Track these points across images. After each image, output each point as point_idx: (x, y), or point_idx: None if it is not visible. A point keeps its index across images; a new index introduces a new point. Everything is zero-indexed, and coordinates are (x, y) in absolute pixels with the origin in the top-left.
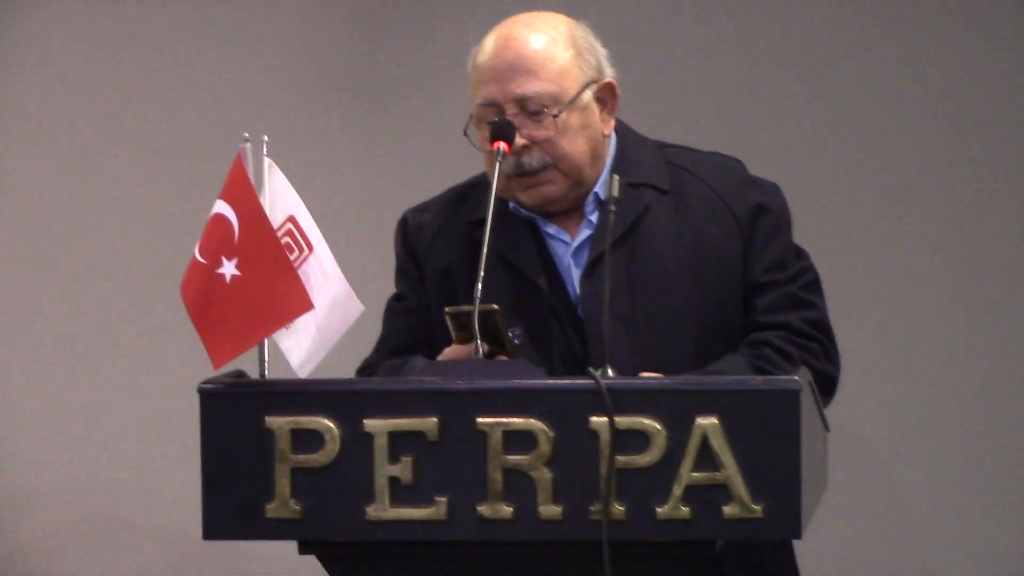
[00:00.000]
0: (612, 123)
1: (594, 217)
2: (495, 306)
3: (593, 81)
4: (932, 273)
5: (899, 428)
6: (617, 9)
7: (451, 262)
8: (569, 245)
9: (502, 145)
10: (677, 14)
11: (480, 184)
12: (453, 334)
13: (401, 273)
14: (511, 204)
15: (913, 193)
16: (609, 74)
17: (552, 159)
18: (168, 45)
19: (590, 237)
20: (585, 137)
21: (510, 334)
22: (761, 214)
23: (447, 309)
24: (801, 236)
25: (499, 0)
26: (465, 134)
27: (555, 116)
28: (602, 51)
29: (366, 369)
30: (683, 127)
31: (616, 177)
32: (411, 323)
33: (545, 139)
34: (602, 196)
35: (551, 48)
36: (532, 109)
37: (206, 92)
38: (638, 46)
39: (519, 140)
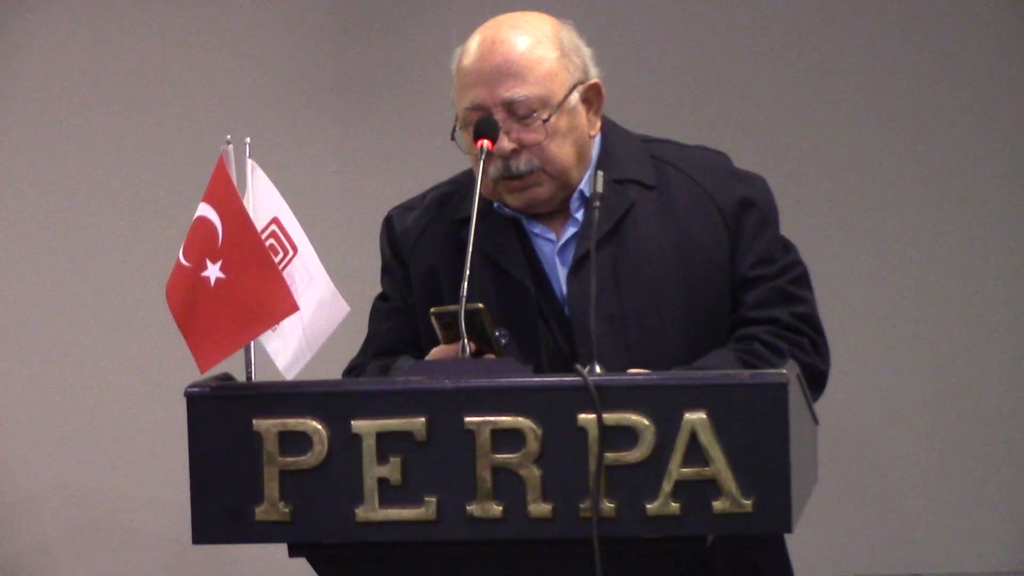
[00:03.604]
0: (598, 123)
1: (579, 215)
2: (480, 305)
3: (580, 83)
4: (921, 267)
5: (889, 421)
6: (601, 7)
7: (436, 262)
8: (555, 243)
9: (485, 143)
10: (662, 11)
11: (465, 182)
12: (439, 334)
13: (386, 272)
14: (496, 204)
15: (904, 186)
16: (594, 74)
17: (540, 163)
18: (150, 47)
19: (576, 235)
20: (572, 140)
21: (496, 333)
22: (747, 208)
23: (432, 310)
24: (789, 229)
25: (479, 4)
26: (452, 138)
27: (544, 121)
28: (587, 51)
29: (353, 370)
30: (667, 122)
31: (600, 173)
32: (397, 323)
33: (534, 143)
34: (587, 194)
35: (538, 51)
36: (521, 113)
37: (188, 94)
38: (622, 43)
39: (507, 144)
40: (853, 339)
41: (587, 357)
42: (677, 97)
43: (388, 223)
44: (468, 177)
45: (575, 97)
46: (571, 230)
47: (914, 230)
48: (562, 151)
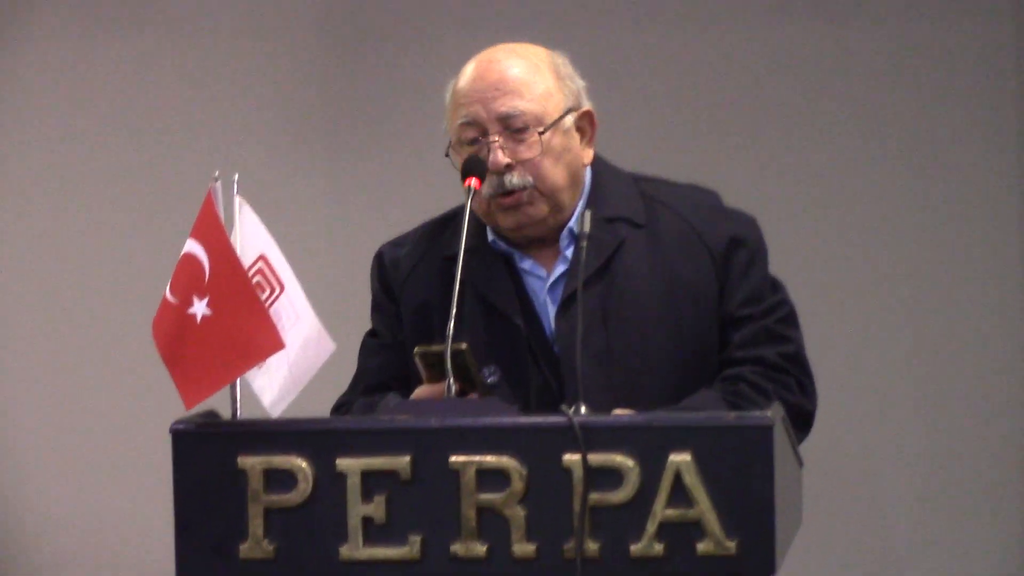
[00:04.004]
0: (591, 153)
1: (569, 252)
2: (464, 345)
3: (574, 108)
4: (908, 306)
5: (875, 461)
6: (593, 44)
7: (428, 297)
8: (545, 281)
9: (473, 181)
10: (654, 48)
11: (457, 216)
12: (423, 374)
13: (377, 309)
14: (490, 238)
15: (891, 229)
16: (587, 105)
17: (534, 179)
18: (138, 84)
19: (565, 272)
20: (565, 162)
21: (485, 372)
22: (736, 247)
23: (416, 350)
24: (777, 264)
25: (469, 38)
26: (447, 155)
27: (541, 133)
28: (580, 83)
29: (341, 407)
30: (659, 159)
31: (588, 212)
32: (386, 360)
33: (529, 159)
34: (577, 232)
35: (534, 72)
36: (516, 127)
37: (177, 130)
38: (614, 80)
39: (503, 158)
40: (841, 380)
41: (574, 396)
42: (669, 134)
43: (379, 259)
44: (460, 210)
45: (569, 120)
46: (561, 268)
47: (904, 271)
48: (555, 170)
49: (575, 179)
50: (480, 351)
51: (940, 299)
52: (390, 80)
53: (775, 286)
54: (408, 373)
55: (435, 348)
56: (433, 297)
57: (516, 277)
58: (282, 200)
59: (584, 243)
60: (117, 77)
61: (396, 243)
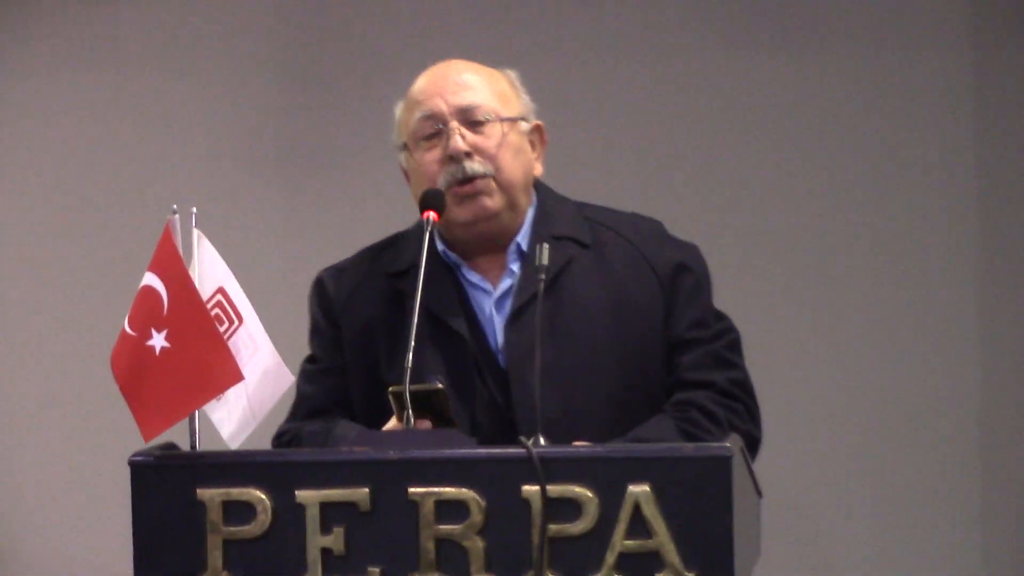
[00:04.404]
0: (540, 168)
1: (516, 267)
2: (439, 386)
3: (527, 119)
4: (854, 332)
5: (824, 490)
6: (549, 79)
7: (371, 316)
8: (491, 294)
9: (431, 215)
10: (614, 81)
11: (397, 240)
12: (396, 413)
13: (315, 334)
14: (440, 247)
15: (846, 259)
16: (537, 121)
17: (493, 169)
18: (95, 116)
19: (512, 287)
20: (521, 162)
21: (435, 380)
22: (682, 272)
23: (391, 389)
24: (731, 297)
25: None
26: (401, 166)
27: (501, 120)
28: (529, 99)
29: (282, 435)
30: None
31: (546, 245)
32: (326, 385)
33: (487, 148)
34: (524, 247)
35: (490, 76)
36: (476, 118)
37: (134, 164)
38: (569, 113)
39: (463, 145)
40: (784, 407)
41: (523, 407)
42: (628, 165)
43: (319, 284)
44: (399, 236)
45: (525, 126)
46: (507, 282)
47: (851, 297)
48: (513, 164)
49: (527, 184)
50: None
51: (894, 326)
52: (346, 115)
53: (718, 314)
54: (348, 398)
55: (411, 388)
56: (376, 315)
57: (461, 290)
58: (240, 233)
59: (542, 275)
60: (75, 112)
61: (337, 268)
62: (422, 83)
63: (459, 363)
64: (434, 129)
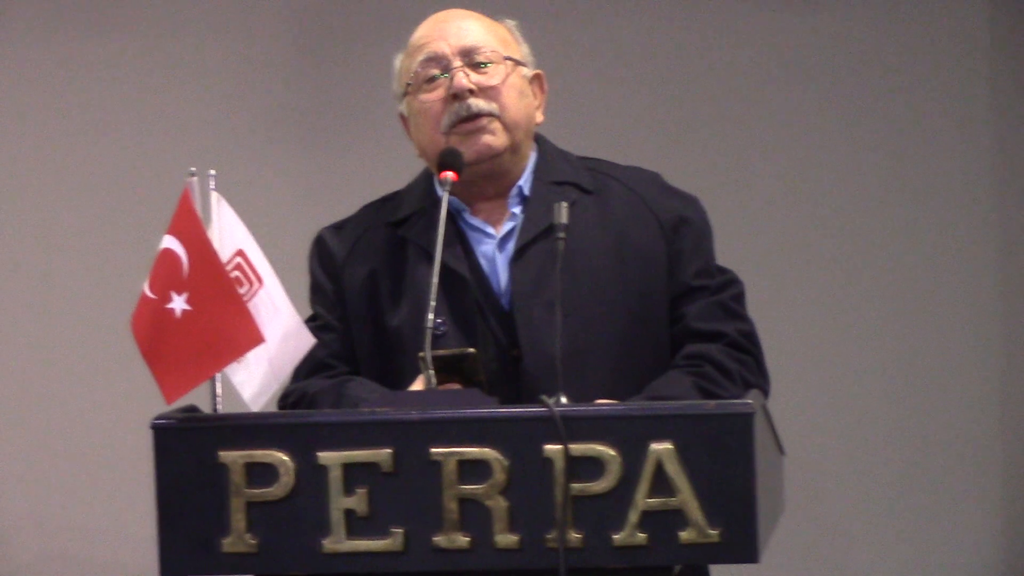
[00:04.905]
0: (541, 117)
1: (518, 210)
2: (471, 350)
3: (526, 62)
4: (883, 301)
5: (834, 447)
6: (569, 35)
7: (373, 267)
8: (494, 238)
9: (449, 175)
10: (626, 38)
11: (399, 193)
12: (427, 377)
13: (316, 291)
14: (438, 192)
15: (867, 224)
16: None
17: (498, 108)
18: (113, 79)
19: (514, 229)
20: (524, 104)
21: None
22: (685, 223)
23: (420, 354)
24: (754, 261)
25: None
26: (400, 115)
27: (504, 60)
28: (529, 51)
29: (288, 396)
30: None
31: (564, 204)
32: (327, 341)
33: (492, 87)
34: (526, 191)
35: (491, 23)
36: (479, 60)
37: (153, 127)
38: (588, 69)
39: (467, 83)
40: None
41: (529, 344)
42: (644, 125)
43: (319, 242)
44: (401, 189)
45: (526, 71)
46: (510, 224)
47: (875, 254)
48: (517, 105)
49: (529, 127)
50: (478, 358)
51: (915, 294)
52: (365, 75)
53: (721, 267)
54: (351, 353)
55: (442, 352)
56: (378, 263)
57: (463, 235)
58: (259, 195)
59: (562, 235)
60: (92, 75)
61: (335, 226)
62: (422, 30)
63: (461, 304)
64: (437, 69)
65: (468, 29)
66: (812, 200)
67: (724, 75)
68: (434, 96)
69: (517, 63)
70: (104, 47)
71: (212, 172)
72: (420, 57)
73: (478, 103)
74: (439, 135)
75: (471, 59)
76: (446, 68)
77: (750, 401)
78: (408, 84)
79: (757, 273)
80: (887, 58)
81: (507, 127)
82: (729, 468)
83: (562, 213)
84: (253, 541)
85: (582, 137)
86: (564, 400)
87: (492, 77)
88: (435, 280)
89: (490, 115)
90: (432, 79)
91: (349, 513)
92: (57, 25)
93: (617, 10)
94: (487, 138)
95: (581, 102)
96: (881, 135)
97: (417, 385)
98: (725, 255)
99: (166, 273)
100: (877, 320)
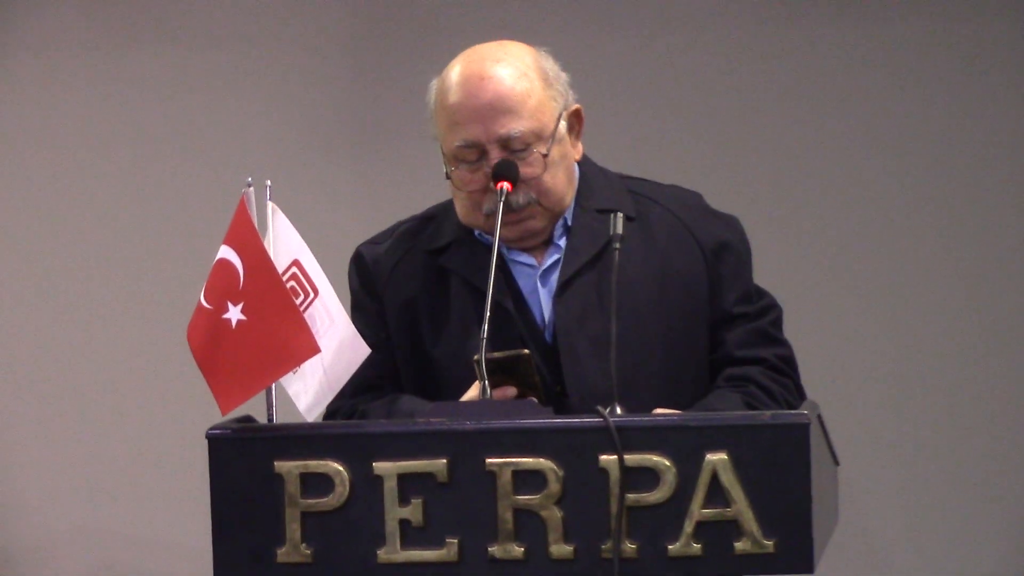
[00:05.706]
0: (580, 147)
1: (562, 242)
2: (526, 352)
3: (563, 110)
4: (907, 305)
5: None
6: (577, 37)
7: (413, 293)
8: (536, 269)
9: (505, 185)
10: (658, 51)
11: (437, 215)
12: (483, 381)
13: (358, 309)
14: (476, 231)
15: (891, 230)
16: (573, 99)
17: (537, 196)
18: (172, 92)
19: (558, 261)
20: (564, 168)
21: (520, 347)
22: (726, 247)
23: (475, 357)
24: (775, 269)
25: (494, 35)
26: (448, 177)
27: (544, 155)
28: (565, 76)
29: (335, 414)
30: (640, 157)
31: (619, 214)
32: (373, 360)
33: (532, 177)
34: (569, 221)
35: (525, 83)
36: (516, 148)
37: (209, 137)
38: (616, 84)
39: (505, 187)
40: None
41: (574, 382)
42: (674, 135)
43: (358, 259)
44: (439, 210)
45: (563, 125)
46: (553, 256)
47: (900, 259)
48: (557, 181)
49: (571, 180)
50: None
51: (940, 297)
52: (419, 89)
53: (759, 290)
54: (396, 371)
55: (497, 355)
56: (419, 292)
57: (505, 266)
58: (314, 206)
59: (617, 245)
60: (150, 86)
61: (374, 241)
62: (458, 98)
63: (505, 338)
64: (475, 155)
65: (503, 109)
66: (858, 213)
67: (757, 91)
68: (474, 180)
69: (555, 131)
70: (162, 58)
71: (268, 182)
72: (457, 142)
73: (517, 199)
74: (480, 216)
75: (509, 148)
76: (483, 154)
77: (805, 412)
78: (444, 154)
79: (801, 284)
80: (924, 73)
81: (548, 208)
82: (785, 478)
83: (618, 224)
84: (308, 551)
85: (617, 158)
86: (619, 411)
87: (531, 165)
88: (489, 290)
89: (529, 205)
90: (471, 161)
91: (404, 523)
92: (115, 36)
93: (658, 28)
94: (529, 224)
95: (616, 120)
96: (922, 154)
97: (472, 392)
98: (771, 274)
99: (222, 283)
100: (925, 330)
